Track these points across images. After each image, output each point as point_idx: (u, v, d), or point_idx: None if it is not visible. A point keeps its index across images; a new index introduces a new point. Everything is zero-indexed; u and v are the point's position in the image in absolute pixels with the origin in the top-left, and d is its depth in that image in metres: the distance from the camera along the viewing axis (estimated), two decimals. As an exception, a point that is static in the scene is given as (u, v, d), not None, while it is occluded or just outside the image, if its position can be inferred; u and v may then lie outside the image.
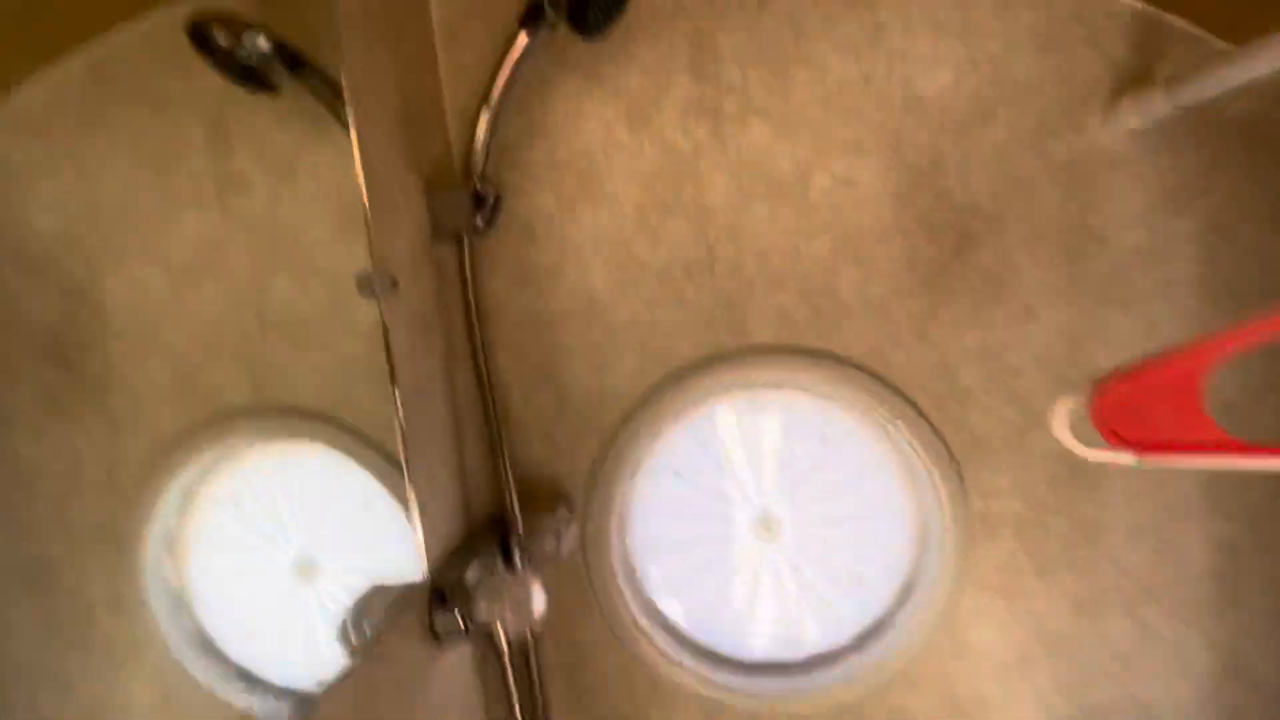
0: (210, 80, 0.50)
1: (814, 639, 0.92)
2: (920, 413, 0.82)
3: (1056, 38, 0.75)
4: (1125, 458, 0.47)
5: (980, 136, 0.77)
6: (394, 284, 0.62)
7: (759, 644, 0.92)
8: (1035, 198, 0.78)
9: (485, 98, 0.73)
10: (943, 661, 0.85)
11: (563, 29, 0.71)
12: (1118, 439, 0.48)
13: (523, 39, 0.69)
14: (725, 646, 0.92)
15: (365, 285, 0.59)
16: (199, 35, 0.50)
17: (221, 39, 0.52)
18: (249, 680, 0.47)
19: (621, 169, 0.81)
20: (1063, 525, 0.82)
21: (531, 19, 0.68)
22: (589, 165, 0.81)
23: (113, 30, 0.41)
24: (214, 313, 0.47)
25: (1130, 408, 0.48)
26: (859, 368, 0.82)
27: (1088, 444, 0.50)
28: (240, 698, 0.46)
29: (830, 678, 0.87)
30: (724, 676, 0.89)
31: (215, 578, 0.46)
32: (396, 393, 0.63)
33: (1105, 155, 0.76)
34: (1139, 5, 0.74)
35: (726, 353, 0.83)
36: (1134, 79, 0.74)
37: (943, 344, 0.81)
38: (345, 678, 0.52)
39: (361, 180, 0.60)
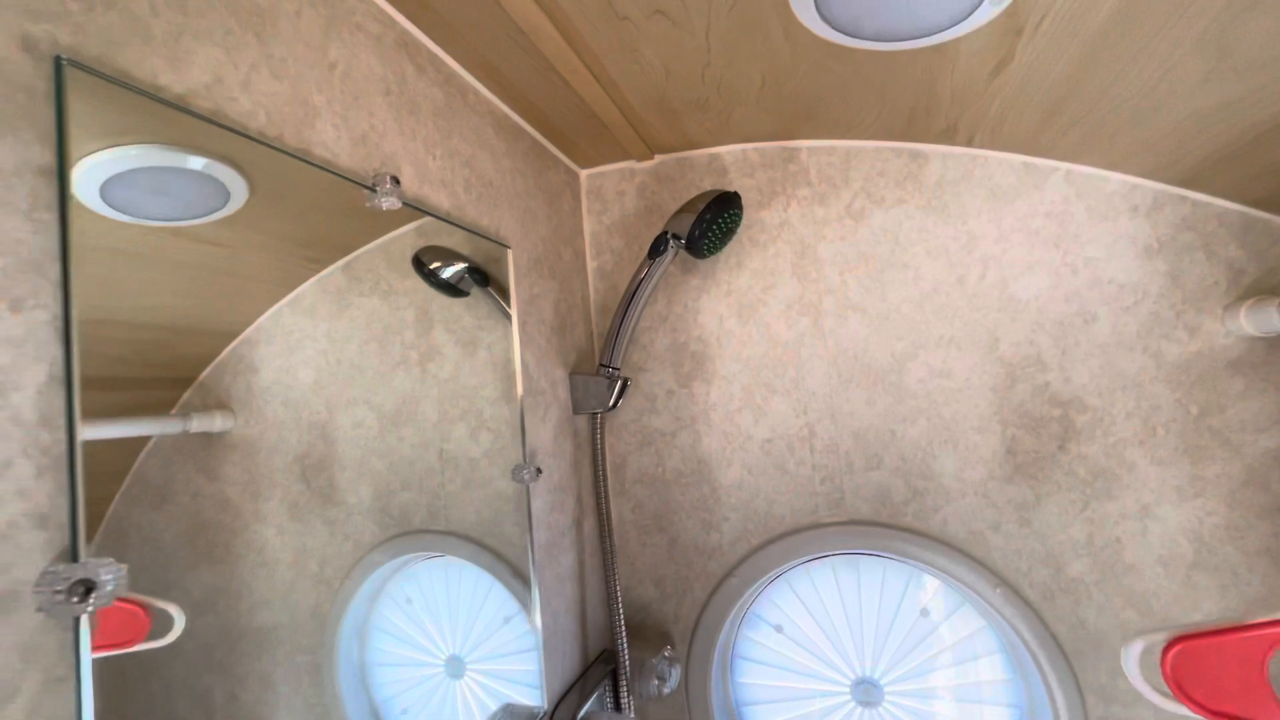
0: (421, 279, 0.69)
1: (915, 822, 0.90)
2: (1026, 602, 0.81)
3: (1164, 244, 0.77)
4: (1187, 714, 0.48)
5: (1082, 335, 0.80)
6: (538, 473, 0.79)
7: (857, 815, 0.92)
8: (1146, 396, 0.78)
9: (621, 306, 0.91)
10: None
11: (683, 253, 0.87)
12: (1182, 694, 0.49)
13: (650, 265, 0.86)
14: (821, 811, 0.93)
15: (517, 475, 0.76)
16: (418, 262, 0.71)
17: (432, 266, 0.73)
18: None
19: (732, 354, 0.94)
20: (1204, 747, 0.75)
21: (656, 251, 0.85)
22: (704, 350, 0.96)
23: (363, 245, 0.56)
24: (409, 451, 0.60)
25: (1199, 666, 0.49)
26: (959, 550, 0.84)
27: (1161, 690, 0.51)
28: None
29: None
30: (818, 844, 0.90)
31: (386, 663, 0.55)
32: (532, 554, 0.78)
33: (1225, 357, 0.75)
34: (1253, 211, 0.74)
35: (824, 524, 0.90)
36: (1253, 285, 0.74)
37: (1048, 534, 0.81)
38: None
39: (520, 395, 0.79)
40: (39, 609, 0.29)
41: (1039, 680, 0.83)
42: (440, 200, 0.67)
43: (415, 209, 0.63)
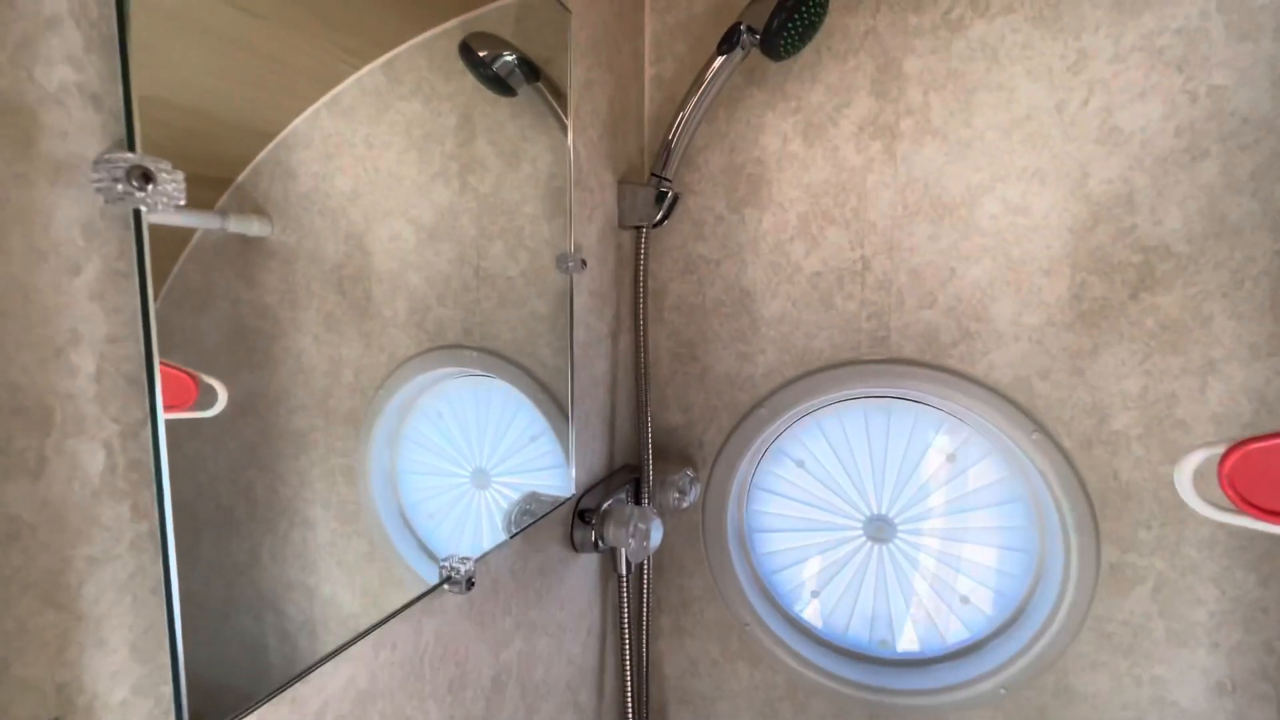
0: (465, 80, 0.63)
1: (907, 642, 0.95)
2: (1061, 450, 0.80)
3: (1305, 71, 0.68)
4: (1241, 520, 0.47)
5: (1185, 174, 0.73)
6: (583, 264, 0.76)
7: (852, 632, 0.98)
8: (1243, 245, 0.72)
9: (680, 106, 0.84)
10: (1040, 696, 0.85)
11: (755, 52, 0.79)
12: (1242, 501, 0.48)
13: (718, 62, 0.79)
14: (817, 625, 0.99)
15: (562, 263, 0.74)
16: (466, 49, 0.66)
17: (483, 54, 0.68)
18: (427, 552, 0.58)
19: (791, 179, 0.88)
20: (1213, 596, 0.76)
21: (727, 45, 0.77)
22: (762, 173, 0.90)
23: (404, 41, 0.52)
24: (445, 266, 0.58)
25: (1262, 472, 0.47)
26: (1001, 395, 0.82)
27: (1214, 503, 0.50)
28: (418, 563, 0.58)
29: (914, 682, 0.91)
30: (810, 652, 0.96)
31: (416, 471, 0.56)
32: (572, 346, 0.78)
33: (1346, 207, 0.68)
34: None
35: (864, 360, 0.88)
36: (1402, 123, 0.65)
37: (1099, 385, 0.78)
38: (506, 544, 0.67)
39: (571, 179, 0.75)
40: (98, 190, 0.28)
41: (1056, 527, 0.83)
42: (502, -72, 0.59)
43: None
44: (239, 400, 0.37)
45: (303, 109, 0.43)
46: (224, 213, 0.37)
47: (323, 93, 0.44)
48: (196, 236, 0.35)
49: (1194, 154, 0.72)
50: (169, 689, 0.31)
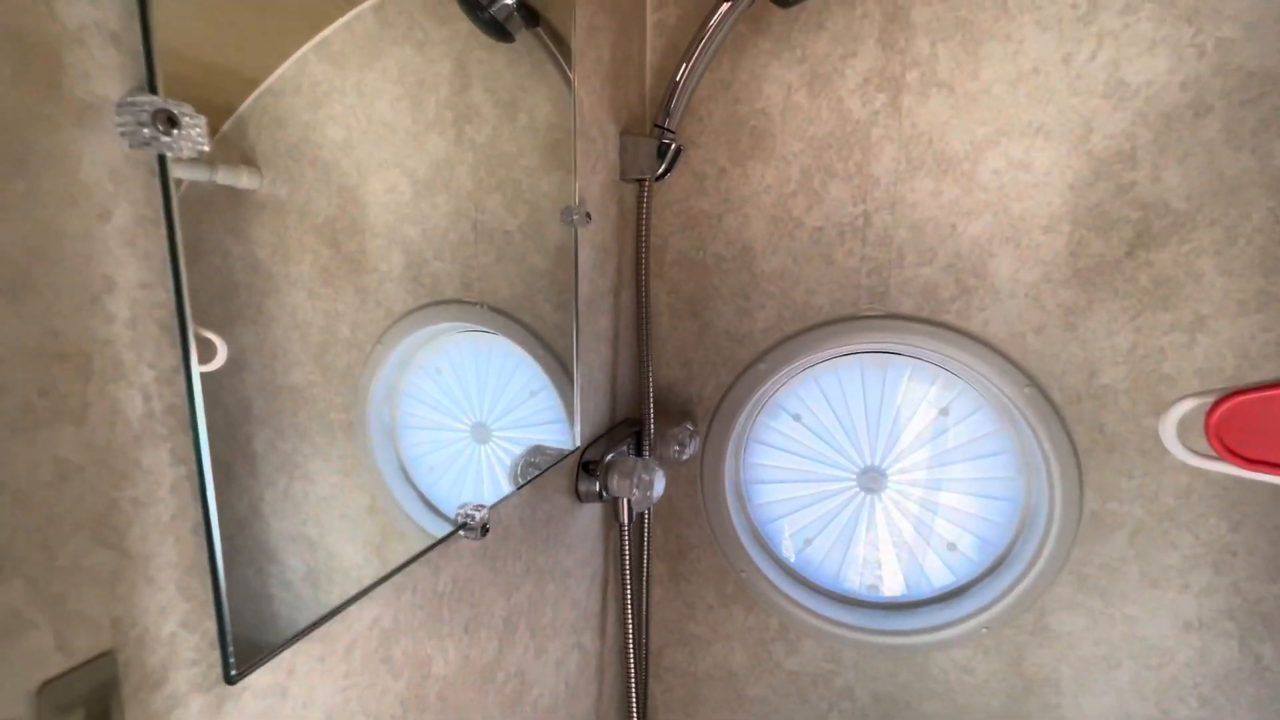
0: (461, 25, 0.60)
1: (895, 587, 0.99)
2: (1051, 404, 0.83)
3: (1314, 25, 0.68)
4: (1224, 468, 0.50)
5: (1187, 130, 0.73)
6: (588, 217, 0.76)
7: (843, 577, 1.02)
8: (1239, 202, 0.73)
9: (684, 55, 0.82)
10: (1019, 634, 0.90)
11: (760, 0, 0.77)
12: (1225, 450, 0.50)
13: (723, 8, 0.77)
14: (809, 571, 1.03)
15: (566, 216, 0.74)
16: None
17: None
18: (429, 505, 0.59)
19: (795, 131, 0.87)
20: (1187, 541, 0.81)
21: (735, -11, 0.75)
22: (765, 125, 0.89)
23: None
24: (441, 220, 0.57)
25: (1247, 423, 0.49)
26: (996, 350, 0.84)
27: (1196, 451, 0.52)
28: (421, 516, 0.57)
29: (901, 623, 0.95)
30: (803, 596, 1.00)
31: (415, 425, 0.56)
32: (577, 302, 0.78)
33: (1342, 164, 0.69)
34: None
35: (862, 316, 0.89)
36: (1405, 80, 0.66)
37: (1091, 341, 0.80)
38: (515, 494, 0.69)
39: (575, 129, 0.74)
40: (122, 134, 0.27)
41: (1043, 478, 0.87)
42: None
43: None
44: (235, 355, 0.37)
45: (289, 54, 0.41)
46: (212, 164, 0.36)
47: (309, 36, 0.43)
48: (183, 188, 0.34)
49: (1198, 110, 0.72)
50: (213, 624, 0.32)
